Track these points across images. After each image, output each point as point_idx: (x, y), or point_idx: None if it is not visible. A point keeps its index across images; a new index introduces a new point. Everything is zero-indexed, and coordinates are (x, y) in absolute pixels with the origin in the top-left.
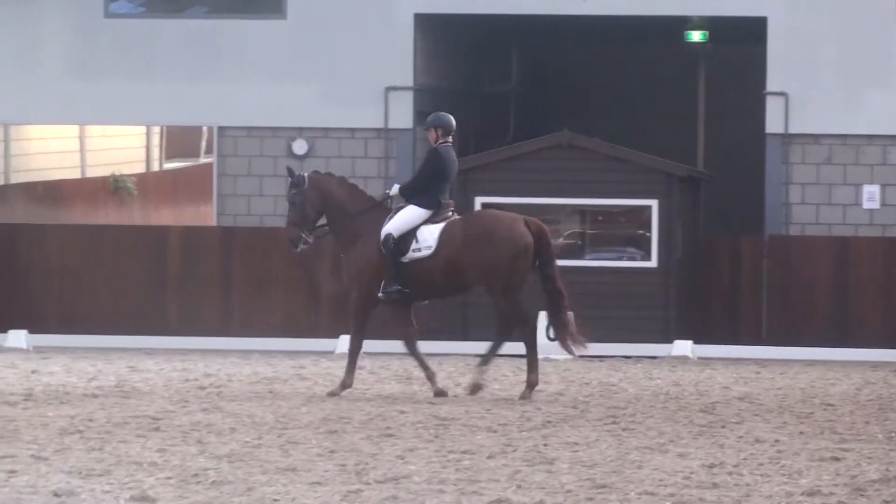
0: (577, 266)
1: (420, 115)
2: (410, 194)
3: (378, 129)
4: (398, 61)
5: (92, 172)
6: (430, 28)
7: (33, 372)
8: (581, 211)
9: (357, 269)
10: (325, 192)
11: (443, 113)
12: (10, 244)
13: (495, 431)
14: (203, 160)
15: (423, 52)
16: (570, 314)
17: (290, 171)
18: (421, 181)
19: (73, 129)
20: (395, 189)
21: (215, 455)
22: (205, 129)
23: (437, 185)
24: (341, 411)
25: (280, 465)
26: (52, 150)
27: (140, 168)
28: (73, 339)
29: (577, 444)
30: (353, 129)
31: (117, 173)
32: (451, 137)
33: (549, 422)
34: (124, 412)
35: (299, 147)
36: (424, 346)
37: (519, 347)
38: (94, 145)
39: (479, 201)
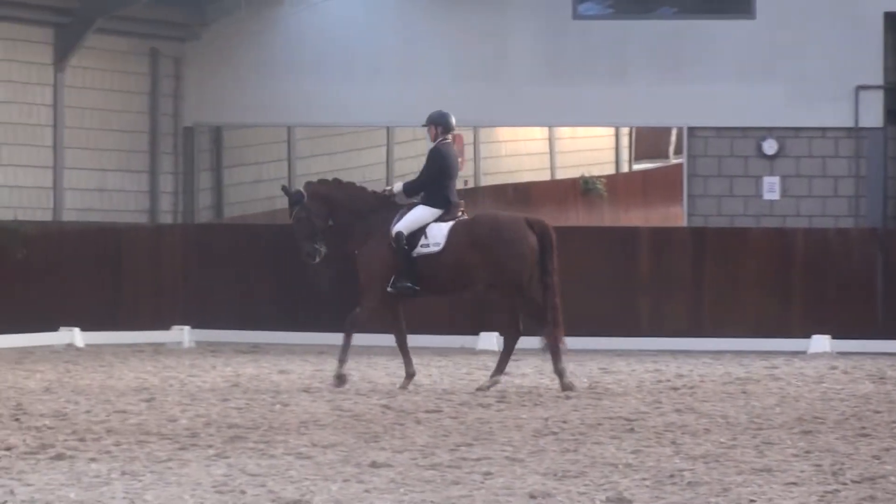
0: None
1: (891, 114)
2: (414, 193)
3: (848, 129)
4: (868, 60)
5: (561, 174)
6: None
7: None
8: None
9: (372, 267)
10: (326, 198)
11: (443, 111)
12: None
13: None
14: (672, 161)
15: (893, 51)
16: (559, 311)
17: (285, 190)
18: (425, 180)
19: (543, 131)
20: (398, 186)
21: (690, 456)
22: (674, 129)
23: (442, 183)
24: (815, 411)
25: (755, 466)
26: (522, 152)
27: (609, 169)
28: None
29: None
30: (822, 129)
31: (587, 174)
32: (450, 135)
33: None
34: (597, 414)
35: (769, 147)
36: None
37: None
38: (563, 147)
39: None
